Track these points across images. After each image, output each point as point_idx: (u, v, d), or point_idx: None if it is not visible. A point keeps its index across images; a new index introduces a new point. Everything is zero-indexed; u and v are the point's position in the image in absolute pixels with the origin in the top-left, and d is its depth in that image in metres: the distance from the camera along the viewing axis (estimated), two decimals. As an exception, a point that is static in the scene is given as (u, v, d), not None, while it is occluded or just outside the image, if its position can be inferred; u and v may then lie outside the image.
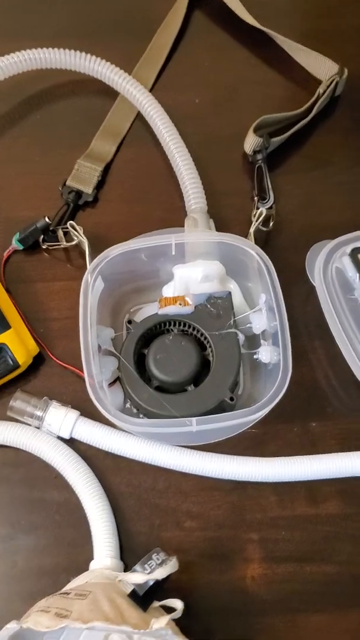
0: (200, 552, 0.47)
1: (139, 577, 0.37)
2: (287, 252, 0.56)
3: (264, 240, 0.56)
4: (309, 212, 0.59)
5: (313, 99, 0.61)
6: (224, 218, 0.58)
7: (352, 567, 0.47)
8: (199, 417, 0.45)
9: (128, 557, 0.45)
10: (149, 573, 0.37)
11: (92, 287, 0.49)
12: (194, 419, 0.45)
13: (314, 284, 0.52)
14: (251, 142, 0.59)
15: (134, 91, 0.60)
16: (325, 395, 0.52)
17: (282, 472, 0.48)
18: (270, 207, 0.58)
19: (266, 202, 0.58)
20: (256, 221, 0.54)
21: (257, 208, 0.56)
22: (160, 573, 0.37)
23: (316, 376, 0.52)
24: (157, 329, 0.51)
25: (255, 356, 0.50)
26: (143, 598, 0.37)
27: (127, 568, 0.44)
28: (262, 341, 0.50)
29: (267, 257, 0.49)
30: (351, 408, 0.51)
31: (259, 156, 0.59)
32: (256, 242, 0.52)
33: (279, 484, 0.49)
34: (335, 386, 0.52)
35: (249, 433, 0.50)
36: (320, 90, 0.61)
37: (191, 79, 0.66)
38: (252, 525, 0.48)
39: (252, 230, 0.54)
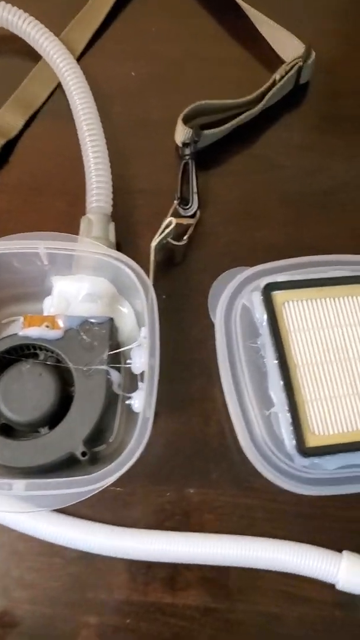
0: (25, 631, 0.39)
1: None
2: (200, 275, 0.46)
3: (171, 258, 0.47)
4: (242, 225, 0.49)
5: (266, 85, 0.50)
6: (138, 222, 0.48)
7: None
8: (30, 480, 0.36)
9: None
10: None
11: None
12: (21, 482, 0.36)
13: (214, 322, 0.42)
14: (180, 133, 0.48)
15: (55, 54, 0.50)
16: (212, 456, 0.43)
17: (136, 549, 0.40)
18: (193, 215, 0.48)
19: (188, 208, 0.48)
20: (160, 233, 0.44)
21: (174, 215, 0.46)
22: None
23: (207, 431, 0.43)
24: (18, 353, 0.42)
25: (127, 401, 0.40)
26: None
27: None
28: (139, 383, 0.41)
29: (145, 277, 0.40)
30: (240, 477, 0.42)
31: (187, 151, 0.48)
32: (161, 260, 0.43)
33: (135, 560, 0.40)
34: (227, 446, 0.43)
35: (111, 491, 0.41)
36: (277, 75, 0.50)
37: (131, 47, 0.55)
38: (93, 606, 0.40)
39: (153, 244, 0.44)
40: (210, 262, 0.47)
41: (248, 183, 0.50)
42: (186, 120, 0.48)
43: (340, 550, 0.39)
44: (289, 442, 0.38)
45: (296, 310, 0.41)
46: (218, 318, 0.41)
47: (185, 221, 0.47)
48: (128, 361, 0.42)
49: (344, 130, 0.52)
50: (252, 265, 0.42)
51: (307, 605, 0.40)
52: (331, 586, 0.39)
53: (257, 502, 0.42)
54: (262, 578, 0.40)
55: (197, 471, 0.42)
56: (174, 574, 0.40)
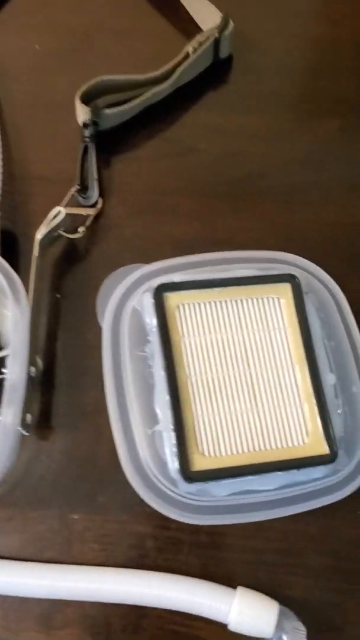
0: None
1: None
2: (99, 272, 0.40)
3: (69, 253, 0.42)
4: (148, 217, 0.44)
5: (176, 59, 0.45)
6: (34, 212, 0.43)
7: None
8: None
9: None
10: None
11: None
12: None
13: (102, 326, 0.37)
14: (79, 113, 0.43)
15: None
16: (101, 478, 0.38)
17: (8, 583, 0.35)
18: (93, 205, 0.43)
19: (88, 197, 0.43)
20: (48, 224, 0.39)
21: (72, 204, 0.42)
22: None
23: (97, 449, 0.38)
24: None
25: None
26: None
27: None
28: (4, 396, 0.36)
29: (15, 278, 0.35)
30: (131, 501, 0.37)
31: (87, 132, 0.43)
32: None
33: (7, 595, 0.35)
34: (117, 467, 0.37)
35: (-14, 516, 0.37)
36: (190, 48, 0.45)
37: (35, 18, 0.49)
38: None
39: (37, 236, 0.39)
40: (111, 258, 0.42)
41: (157, 170, 0.45)
42: (87, 99, 0.43)
43: (235, 586, 0.35)
44: (172, 465, 0.33)
45: (191, 314, 0.37)
46: (106, 322, 0.37)
47: (82, 211, 0.42)
48: (3, 370, 0.37)
49: (266, 110, 0.47)
50: (156, 262, 0.38)
51: (198, 647, 0.35)
52: (224, 626, 0.34)
53: (149, 530, 0.37)
54: (147, 616, 0.35)
55: (83, 494, 0.38)
56: (50, 611, 0.36)
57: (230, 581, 0.36)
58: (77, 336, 0.41)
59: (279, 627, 0.33)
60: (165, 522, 0.37)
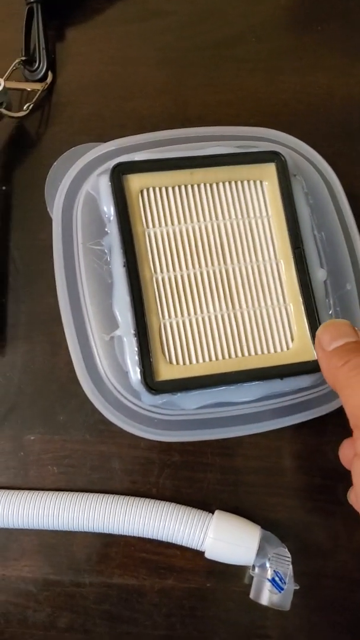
0: None
1: None
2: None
3: (16, 137, 0.36)
4: (108, 92, 0.37)
5: None
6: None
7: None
8: None
9: None
10: None
11: None
12: None
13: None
14: (21, -35, 0.36)
15: None
16: (60, 394, 0.33)
17: None
18: (42, 79, 0.36)
19: (35, 69, 0.36)
20: (-15, 101, 0.33)
21: (16, 78, 0.35)
22: None
23: (55, 362, 0.34)
24: None
25: None
26: None
27: None
28: None
29: None
30: (94, 418, 0.33)
31: (30, -8, 0.36)
32: None
33: None
34: (78, 381, 0.33)
35: None
36: None
37: None
38: None
39: (-25, 115, 0.33)
40: (65, 142, 0.35)
41: (118, 37, 0.38)
42: None
43: (213, 510, 0.31)
44: (134, 375, 0.29)
45: (157, 200, 0.31)
46: (55, 212, 0.31)
47: (28, 86, 0.36)
48: None
49: None
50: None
51: (172, 576, 0.31)
52: (201, 554, 0.31)
53: (115, 450, 0.33)
54: (114, 544, 0.32)
55: (40, 412, 0.33)
56: (5, 541, 0.32)
57: (206, 505, 0.32)
58: (29, 235, 0.35)
59: (261, 553, 0.30)
60: (132, 441, 0.33)
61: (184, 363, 0.29)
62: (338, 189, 0.33)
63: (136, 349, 0.28)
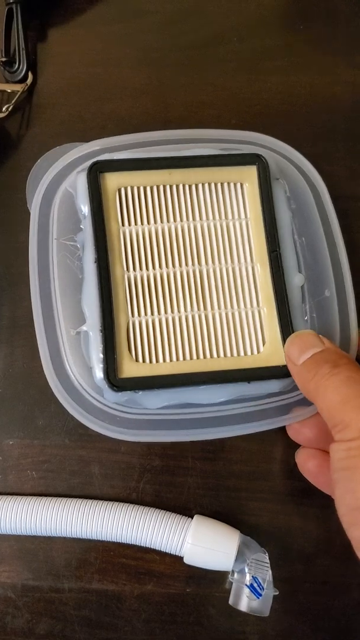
0: None
1: None
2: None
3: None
4: (88, 94, 0.37)
5: None
6: None
7: None
8: None
9: None
10: None
11: None
12: None
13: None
14: (0, -35, 0.36)
15: None
16: (39, 398, 0.33)
17: None
18: (22, 80, 0.36)
19: (15, 70, 0.36)
20: None
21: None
22: None
23: (33, 365, 0.33)
24: None
25: None
26: None
27: None
28: None
29: None
30: (72, 423, 0.33)
31: (10, -8, 0.36)
32: None
33: None
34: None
35: None
36: None
37: None
38: None
39: None
40: (45, 143, 0.35)
41: (98, 37, 0.38)
42: None
43: (193, 515, 0.31)
44: (98, 371, 0.28)
45: (134, 199, 0.31)
46: (33, 207, 0.31)
47: (7, 87, 0.36)
48: None
49: None
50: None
51: (152, 581, 0.31)
52: (180, 559, 0.30)
53: (94, 455, 0.32)
54: (94, 549, 0.31)
55: (19, 417, 0.33)
56: (-14, 547, 0.32)
57: (187, 510, 0.32)
58: (9, 237, 0.35)
59: (241, 559, 0.29)
60: (112, 445, 0.32)
61: (150, 361, 0.29)
62: (324, 195, 0.32)
63: (101, 345, 0.28)
